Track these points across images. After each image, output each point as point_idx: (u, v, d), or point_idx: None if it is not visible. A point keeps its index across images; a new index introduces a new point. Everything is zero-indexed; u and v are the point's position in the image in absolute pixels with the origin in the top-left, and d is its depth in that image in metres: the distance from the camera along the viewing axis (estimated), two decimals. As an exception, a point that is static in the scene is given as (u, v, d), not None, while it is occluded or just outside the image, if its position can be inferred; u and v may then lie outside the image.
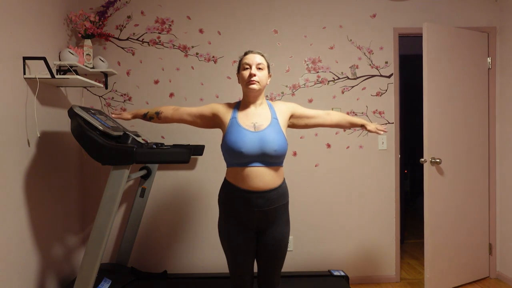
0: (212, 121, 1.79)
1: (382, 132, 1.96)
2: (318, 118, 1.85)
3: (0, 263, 1.91)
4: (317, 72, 2.95)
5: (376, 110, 2.98)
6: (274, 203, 1.62)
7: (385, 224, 2.99)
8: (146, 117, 1.90)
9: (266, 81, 1.71)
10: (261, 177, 1.59)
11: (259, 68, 1.67)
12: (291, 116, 1.79)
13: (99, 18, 2.73)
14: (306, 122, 1.84)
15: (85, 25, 2.58)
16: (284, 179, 1.71)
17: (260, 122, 1.65)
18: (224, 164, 2.89)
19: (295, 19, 2.93)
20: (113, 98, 2.88)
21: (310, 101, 2.94)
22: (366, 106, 2.97)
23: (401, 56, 3.66)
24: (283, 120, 1.72)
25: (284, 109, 1.76)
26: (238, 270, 1.68)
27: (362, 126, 1.95)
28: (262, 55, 1.71)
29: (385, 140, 2.98)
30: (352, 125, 1.95)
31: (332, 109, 2.96)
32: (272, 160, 1.59)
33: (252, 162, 1.58)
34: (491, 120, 3.03)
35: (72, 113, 2.06)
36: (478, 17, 3.02)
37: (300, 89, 2.94)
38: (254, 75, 1.64)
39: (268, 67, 1.73)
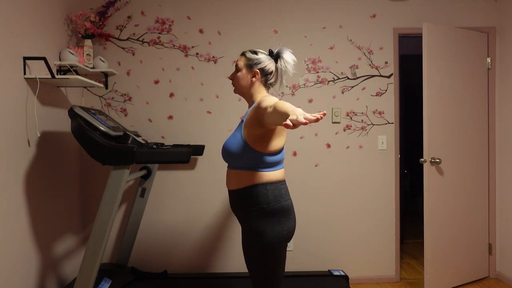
0: None
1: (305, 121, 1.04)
2: (265, 114, 1.34)
3: (0, 262, 1.91)
4: (317, 72, 2.95)
5: (376, 110, 2.98)
6: (236, 206, 1.59)
7: (385, 224, 2.99)
8: None
9: (246, 80, 1.62)
10: (227, 176, 1.64)
11: (236, 70, 1.66)
12: (257, 114, 1.45)
13: (99, 18, 2.73)
14: (264, 121, 1.38)
15: (85, 25, 2.58)
16: (249, 186, 1.50)
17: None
18: (224, 164, 2.90)
19: (295, 19, 2.94)
20: (113, 98, 2.88)
21: (310, 101, 2.94)
22: (366, 106, 2.97)
23: (401, 56, 3.66)
24: (249, 120, 1.50)
25: (256, 105, 1.48)
26: None
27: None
28: (243, 54, 1.65)
29: (385, 140, 2.98)
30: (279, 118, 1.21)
31: (333, 109, 2.96)
32: (228, 162, 1.61)
33: None
34: (491, 120, 3.03)
35: (72, 113, 2.07)
36: (478, 17, 3.02)
37: (300, 89, 2.94)
38: (230, 79, 1.69)
39: (249, 64, 1.61)
